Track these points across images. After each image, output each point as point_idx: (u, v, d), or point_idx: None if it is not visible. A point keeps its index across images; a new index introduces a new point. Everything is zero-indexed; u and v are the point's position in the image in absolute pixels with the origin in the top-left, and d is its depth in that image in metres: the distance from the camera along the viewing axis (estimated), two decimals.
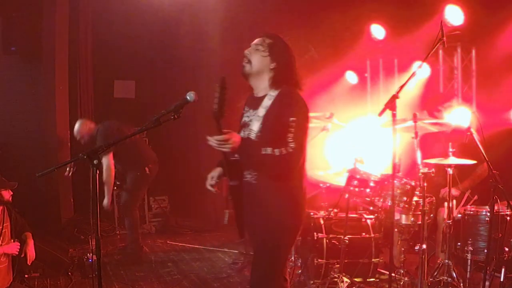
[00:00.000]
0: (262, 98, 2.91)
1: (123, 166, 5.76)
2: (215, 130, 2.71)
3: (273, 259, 2.90)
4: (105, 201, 5.48)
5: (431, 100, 5.04)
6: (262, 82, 2.93)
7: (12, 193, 4.45)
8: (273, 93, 2.88)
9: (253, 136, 2.85)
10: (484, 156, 3.89)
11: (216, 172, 3.09)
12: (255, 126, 2.86)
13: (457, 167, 4.30)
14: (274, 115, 2.81)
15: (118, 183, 6.31)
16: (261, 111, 2.87)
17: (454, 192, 4.57)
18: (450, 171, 4.23)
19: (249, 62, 2.91)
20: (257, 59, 2.90)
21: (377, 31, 6.84)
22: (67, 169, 6.02)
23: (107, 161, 5.43)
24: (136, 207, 5.90)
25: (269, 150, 2.70)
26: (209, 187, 3.07)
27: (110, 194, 5.51)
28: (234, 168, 2.91)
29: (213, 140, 2.68)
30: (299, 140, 2.77)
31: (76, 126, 5.79)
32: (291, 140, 2.73)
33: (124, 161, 5.68)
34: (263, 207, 2.86)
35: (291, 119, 2.75)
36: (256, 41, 2.97)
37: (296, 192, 2.89)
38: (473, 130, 4.16)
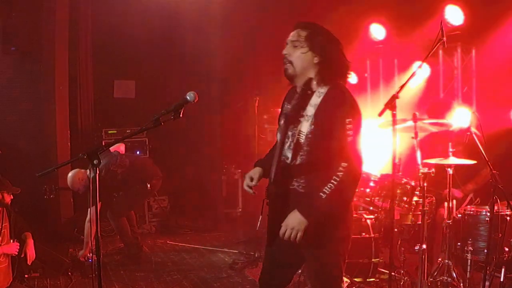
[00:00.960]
0: (310, 96, 2.67)
1: (124, 185, 5.66)
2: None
3: (334, 270, 2.72)
4: (81, 253, 5.38)
5: (431, 105, 5.01)
6: (308, 80, 2.69)
7: (12, 197, 4.46)
8: (322, 90, 2.65)
9: (302, 139, 2.64)
10: (484, 156, 3.89)
11: (256, 172, 2.85)
12: (305, 127, 2.63)
13: (458, 169, 4.29)
14: (327, 114, 2.59)
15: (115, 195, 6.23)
16: (310, 110, 2.63)
17: (457, 194, 4.56)
18: (450, 171, 4.23)
19: (290, 63, 2.68)
20: (298, 58, 2.66)
21: (377, 31, 6.84)
22: (46, 195, 5.93)
23: (93, 213, 5.27)
24: (125, 215, 5.77)
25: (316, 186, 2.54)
26: (247, 188, 2.85)
27: (87, 246, 5.30)
28: (280, 171, 2.70)
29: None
30: (357, 145, 2.59)
31: (69, 180, 5.52)
32: (349, 146, 2.55)
33: (124, 182, 5.59)
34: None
35: (348, 120, 2.56)
36: (291, 36, 2.71)
37: (345, 203, 2.71)
38: (475, 130, 4.16)
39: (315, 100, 2.64)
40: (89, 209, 4.96)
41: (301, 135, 2.65)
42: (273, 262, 2.90)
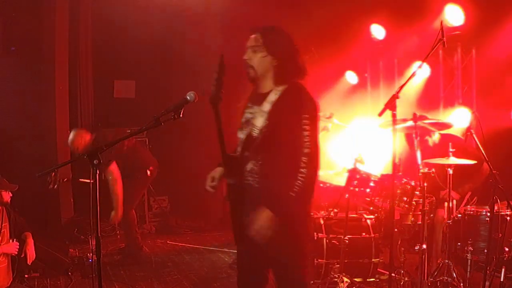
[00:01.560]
0: (267, 94, 2.75)
1: (124, 171, 5.67)
2: (214, 117, 2.58)
3: (295, 266, 2.73)
4: (113, 213, 5.36)
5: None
6: (268, 80, 2.78)
7: (11, 195, 4.45)
8: (280, 88, 2.73)
9: (256, 133, 2.69)
10: (484, 156, 3.89)
11: (217, 172, 2.91)
12: (259, 121, 2.69)
13: (454, 170, 4.29)
14: (283, 110, 2.64)
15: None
16: (266, 106, 2.70)
17: (454, 196, 4.56)
18: (450, 171, 4.22)
19: (252, 67, 2.77)
20: (258, 62, 2.76)
21: (377, 31, 6.84)
22: (51, 184, 5.92)
23: (112, 173, 5.29)
24: (132, 207, 5.81)
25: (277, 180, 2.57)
26: (208, 188, 2.90)
27: (119, 206, 5.33)
28: (234, 165, 2.73)
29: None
30: (315, 139, 2.64)
31: (70, 136, 5.48)
32: (307, 140, 2.59)
33: (124, 167, 5.57)
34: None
35: (304, 115, 2.61)
36: (250, 41, 2.81)
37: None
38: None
39: (272, 97, 2.72)
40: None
41: (254, 129, 2.71)
42: (247, 262, 2.88)
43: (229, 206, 2.76)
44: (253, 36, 2.81)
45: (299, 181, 2.56)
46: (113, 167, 5.33)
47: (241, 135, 2.81)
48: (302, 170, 2.57)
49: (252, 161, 2.71)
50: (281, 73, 2.75)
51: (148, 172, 5.72)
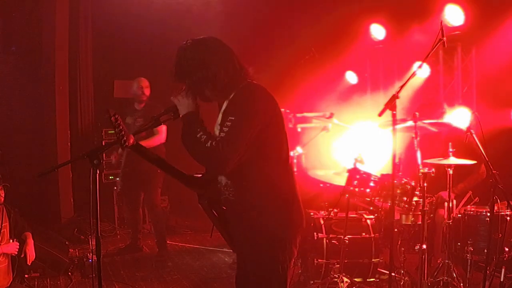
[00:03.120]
0: (222, 105, 2.64)
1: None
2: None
3: (270, 279, 2.59)
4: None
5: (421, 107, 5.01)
6: (220, 97, 2.66)
7: (3, 193, 4.41)
8: (231, 96, 2.59)
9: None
10: (484, 156, 3.89)
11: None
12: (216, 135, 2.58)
13: (454, 169, 4.29)
14: (225, 118, 2.50)
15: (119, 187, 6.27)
16: (219, 118, 2.61)
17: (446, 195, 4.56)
18: (450, 171, 4.23)
19: (203, 99, 2.65)
20: (202, 92, 2.62)
21: (377, 31, 6.84)
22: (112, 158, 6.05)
23: (159, 132, 5.56)
24: (159, 201, 5.94)
25: (203, 138, 2.45)
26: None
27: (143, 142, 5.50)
28: (202, 186, 2.74)
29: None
30: (232, 136, 2.42)
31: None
32: (223, 135, 2.43)
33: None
34: (245, 224, 2.61)
35: (230, 118, 2.45)
36: (176, 93, 2.66)
37: (280, 203, 2.57)
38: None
39: (223, 108, 2.61)
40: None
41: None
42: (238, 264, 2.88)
43: (212, 222, 2.79)
44: (174, 82, 2.69)
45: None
46: (163, 129, 5.61)
47: None
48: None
49: (223, 177, 2.65)
50: (225, 86, 2.58)
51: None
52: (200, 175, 2.75)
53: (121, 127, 2.55)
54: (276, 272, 2.57)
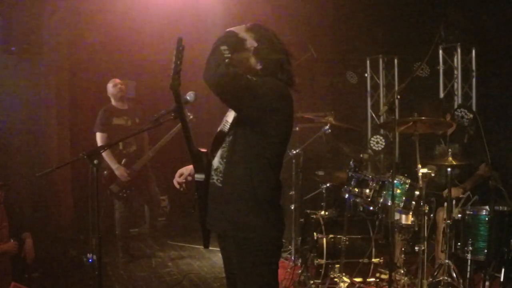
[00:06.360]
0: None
1: None
2: (176, 103, 2.45)
3: (256, 278, 2.47)
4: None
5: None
6: None
7: (3, 194, 4.40)
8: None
9: (226, 128, 2.53)
10: (486, 156, 3.89)
11: (187, 169, 2.75)
12: (230, 116, 2.53)
13: (458, 167, 4.29)
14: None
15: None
16: (230, 115, 2.54)
17: (457, 192, 4.56)
18: (450, 171, 4.22)
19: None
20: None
21: (377, 30, 6.84)
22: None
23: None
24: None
25: (226, 54, 2.40)
26: (176, 184, 2.75)
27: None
28: (202, 160, 2.55)
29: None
30: (241, 76, 2.35)
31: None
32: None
33: None
34: (229, 216, 2.47)
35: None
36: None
37: (265, 197, 2.43)
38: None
39: None
40: None
41: (226, 124, 2.54)
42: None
43: (197, 205, 2.64)
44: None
45: None
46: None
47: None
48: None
49: (218, 159, 2.50)
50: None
51: None
52: (205, 150, 2.61)
53: (181, 66, 2.41)
54: (260, 268, 2.48)
